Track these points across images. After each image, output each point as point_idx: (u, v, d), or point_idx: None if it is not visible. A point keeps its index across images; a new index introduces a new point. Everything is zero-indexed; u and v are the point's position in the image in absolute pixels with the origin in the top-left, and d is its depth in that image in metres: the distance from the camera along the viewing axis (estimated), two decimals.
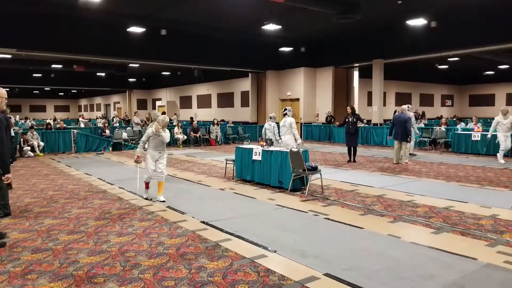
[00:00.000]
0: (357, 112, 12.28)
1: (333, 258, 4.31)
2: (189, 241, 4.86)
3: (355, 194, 7.56)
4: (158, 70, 30.83)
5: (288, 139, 10.10)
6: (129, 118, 24.87)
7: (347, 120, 11.91)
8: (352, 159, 11.98)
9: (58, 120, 24.02)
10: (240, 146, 9.37)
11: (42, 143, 14.91)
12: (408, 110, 12.17)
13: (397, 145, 11.57)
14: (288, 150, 7.84)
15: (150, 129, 6.87)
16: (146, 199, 7.17)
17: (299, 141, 10.08)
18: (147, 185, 7.23)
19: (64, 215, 6.14)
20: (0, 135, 4.55)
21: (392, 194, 7.51)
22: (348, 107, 12.27)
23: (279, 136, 10.41)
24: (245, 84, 25.42)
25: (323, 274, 3.86)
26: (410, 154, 12.96)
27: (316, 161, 11.80)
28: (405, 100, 25.82)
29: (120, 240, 4.91)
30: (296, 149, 7.56)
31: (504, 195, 7.37)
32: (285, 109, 10.70)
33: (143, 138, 6.95)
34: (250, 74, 23.95)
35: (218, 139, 19.18)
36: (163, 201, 6.94)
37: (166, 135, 6.83)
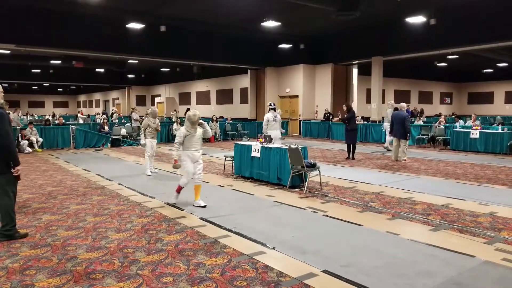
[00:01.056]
0: (353, 109, 12.35)
1: (331, 254, 4.31)
2: (187, 238, 4.86)
3: (354, 191, 7.56)
4: (157, 66, 30.77)
5: (278, 133, 10.49)
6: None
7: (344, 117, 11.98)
8: (351, 156, 11.99)
9: (57, 116, 23.97)
10: (239, 142, 9.36)
11: (40, 139, 14.88)
12: (389, 107, 12.20)
13: (396, 143, 11.59)
14: (286, 147, 7.85)
15: (183, 129, 6.26)
16: (173, 205, 6.48)
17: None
18: (180, 189, 6.54)
19: (63, 211, 6.13)
20: (6, 130, 4.55)
21: (391, 191, 7.51)
22: (344, 105, 12.41)
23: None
24: (244, 81, 25.38)
25: (321, 271, 3.87)
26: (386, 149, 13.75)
27: (315, 158, 11.80)
28: (404, 98, 25.86)
29: (119, 236, 4.91)
30: (295, 146, 7.56)
31: (502, 193, 7.38)
32: (274, 104, 10.90)
33: (178, 140, 6.24)
34: (249, 71, 23.92)
35: (217, 135, 19.18)
36: (204, 206, 6.31)
37: (208, 128, 6.44)
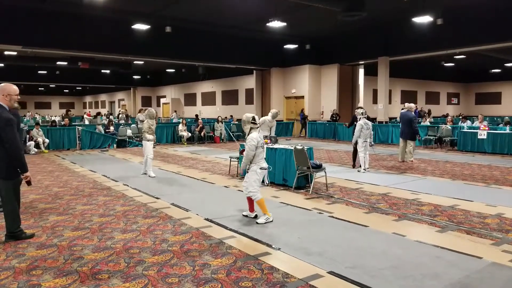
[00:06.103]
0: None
1: (337, 256, 4.29)
2: (193, 238, 4.86)
3: (360, 192, 7.53)
4: (163, 67, 30.89)
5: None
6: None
7: (355, 122, 11.76)
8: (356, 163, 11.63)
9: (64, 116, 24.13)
10: (245, 143, 9.32)
11: (47, 140, 14.97)
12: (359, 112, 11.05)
13: (403, 143, 11.50)
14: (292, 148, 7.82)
15: (257, 136, 5.73)
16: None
17: None
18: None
19: (69, 211, 6.16)
20: (13, 135, 4.49)
21: (397, 192, 7.47)
22: (357, 109, 12.10)
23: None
24: (250, 82, 25.38)
25: (327, 272, 3.85)
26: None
27: (320, 159, 11.76)
28: (411, 98, 25.72)
29: (125, 236, 4.92)
30: (301, 147, 7.54)
31: (510, 194, 7.31)
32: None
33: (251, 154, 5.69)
34: (254, 72, 23.91)
35: (223, 136, 19.19)
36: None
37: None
